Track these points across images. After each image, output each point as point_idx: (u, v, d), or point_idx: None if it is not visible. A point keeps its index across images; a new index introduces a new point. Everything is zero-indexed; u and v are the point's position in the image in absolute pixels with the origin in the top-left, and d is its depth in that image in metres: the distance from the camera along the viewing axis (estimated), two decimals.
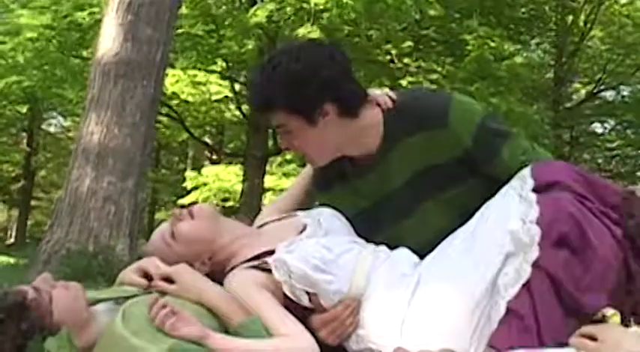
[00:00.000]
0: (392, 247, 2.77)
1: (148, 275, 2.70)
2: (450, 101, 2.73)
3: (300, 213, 2.94)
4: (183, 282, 2.59)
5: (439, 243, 2.70)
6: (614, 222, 2.39)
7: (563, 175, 2.47)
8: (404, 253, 2.73)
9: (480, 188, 2.76)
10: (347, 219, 2.90)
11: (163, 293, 2.59)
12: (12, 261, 10.72)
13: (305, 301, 2.60)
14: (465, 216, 2.66)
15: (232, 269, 2.72)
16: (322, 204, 3.09)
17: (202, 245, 2.78)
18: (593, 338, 1.94)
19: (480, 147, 2.71)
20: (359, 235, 2.86)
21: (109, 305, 2.60)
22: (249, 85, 2.74)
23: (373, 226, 2.86)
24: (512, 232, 2.38)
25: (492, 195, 2.65)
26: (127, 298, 2.57)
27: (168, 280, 2.61)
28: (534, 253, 2.31)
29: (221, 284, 2.65)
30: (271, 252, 2.69)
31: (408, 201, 2.82)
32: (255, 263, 2.67)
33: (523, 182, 2.51)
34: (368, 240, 2.80)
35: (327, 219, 2.82)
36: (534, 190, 2.45)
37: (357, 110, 2.70)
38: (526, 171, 2.54)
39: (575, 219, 2.32)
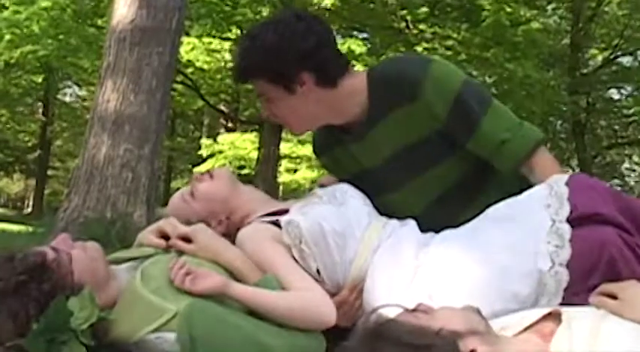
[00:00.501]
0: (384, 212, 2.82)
1: (165, 236, 2.72)
2: (425, 71, 2.71)
3: (316, 190, 2.95)
4: (201, 242, 2.61)
5: (434, 211, 2.81)
6: None
7: (604, 204, 2.38)
8: (412, 225, 2.75)
9: (467, 163, 2.83)
10: (347, 180, 2.93)
11: (181, 252, 2.61)
12: (30, 229, 10.76)
13: (313, 268, 2.61)
14: (449, 191, 2.80)
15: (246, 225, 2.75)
16: (324, 166, 3.22)
17: (219, 203, 2.85)
18: (613, 296, 1.94)
19: (458, 119, 2.72)
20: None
21: (129, 264, 2.62)
22: (233, 57, 2.83)
23: (366, 190, 2.88)
24: (539, 272, 2.31)
25: (481, 171, 2.79)
26: (146, 258, 2.59)
27: (186, 240, 2.63)
28: (557, 300, 2.25)
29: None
30: (286, 212, 2.70)
31: (393, 175, 2.86)
32: (270, 219, 2.69)
33: (560, 203, 2.42)
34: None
35: (342, 192, 2.82)
36: (570, 220, 2.37)
37: (336, 80, 2.75)
38: (563, 189, 2.46)
39: (613, 263, 2.23)
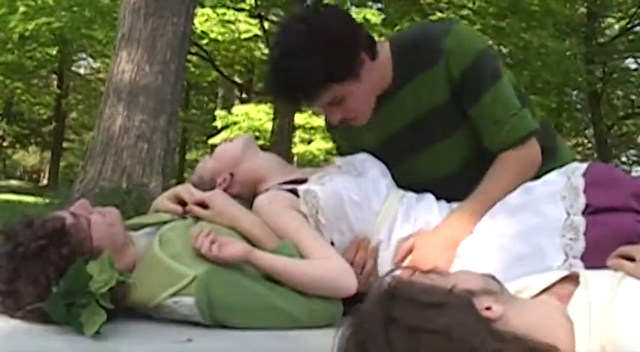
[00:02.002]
0: (402, 184, 2.81)
1: (182, 202, 2.74)
2: (449, 29, 2.69)
3: (335, 159, 2.94)
4: (218, 207, 2.62)
5: (449, 182, 2.77)
6: None
7: (620, 195, 2.38)
8: (429, 199, 2.74)
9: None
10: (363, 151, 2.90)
11: (198, 218, 2.62)
12: (47, 200, 10.80)
13: (328, 238, 2.61)
14: (477, 155, 2.74)
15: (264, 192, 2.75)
16: (334, 141, 3.22)
17: (229, 162, 2.88)
18: (631, 259, 1.93)
19: (469, 81, 2.67)
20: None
21: (147, 230, 2.63)
22: (276, 86, 2.61)
23: (385, 161, 2.87)
24: (552, 262, 2.34)
25: None
26: (163, 224, 2.60)
27: (203, 205, 2.65)
28: None
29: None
30: (304, 181, 2.71)
31: (414, 141, 2.82)
32: (288, 187, 2.69)
33: (575, 195, 2.43)
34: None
35: (361, 162, 2.82)
36: (586, 212, 2.38)
37: (376, 48, 2.68)
38: (580, 181, 2.46)
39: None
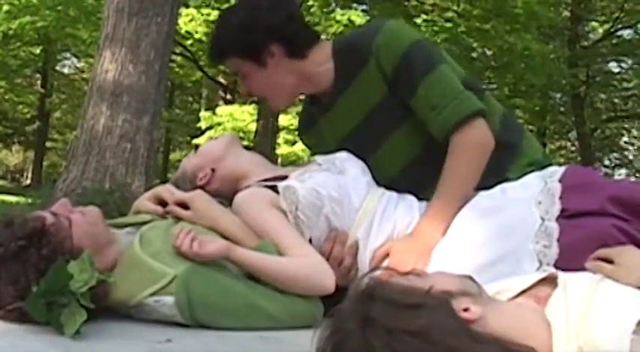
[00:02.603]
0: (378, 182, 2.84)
1: (162, 202, 2.74)
2: (377, 29, 2.81)
3: (316, 157, 2.94)
4: (198, 208, 2.63)
5: (411, 173, 2.81)
6: None
7: (597, 199, 2.39)
8: (410, 200, 2.75)
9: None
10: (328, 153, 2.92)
11: (178, 218, 2.62)
12: (29, 200, 10.76)
13: (307, 236, 2.62)
14: (432, 144, 2.74)
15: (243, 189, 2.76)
16: (306, 145, 3.32)
17: (211, 158, 2.92)
18: (609, 261, 1.95)
19: (401, 78, 2.76)
20: None
21: (127, 230, 2.63)
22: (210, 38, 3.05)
23: None
24: (526, 268, 2.34)
25: None
26: (144, 224, 2.60)
27: (183, 206, 2.65)
28: None
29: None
30: (284, 178, 2.72)
31: (368, 137, 2.89)
32: (269, 184, 2.70)
33: (551, 201, 2.43)
34: None
35: (341, 160, 2.83)
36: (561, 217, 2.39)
37: (305, 51, 2.86)
38: (556, 186, 2.47)
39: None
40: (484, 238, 2.46)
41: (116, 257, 2.41)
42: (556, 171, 2.53)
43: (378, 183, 2.81)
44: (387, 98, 2.81)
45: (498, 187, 2.60)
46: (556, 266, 2.28)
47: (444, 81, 2.72)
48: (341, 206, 2.63)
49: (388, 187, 2.79)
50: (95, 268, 2.18)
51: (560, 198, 2.42)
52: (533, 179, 2.56)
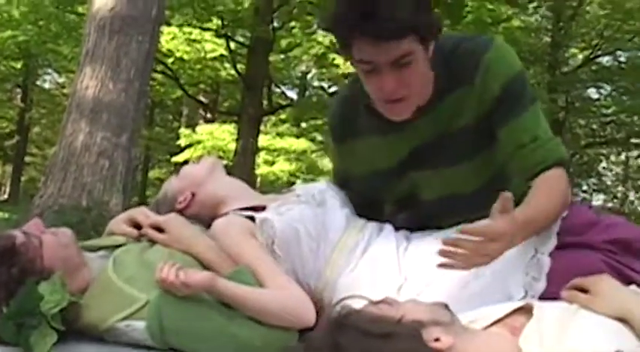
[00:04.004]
0: (406, 197, 2.73)
1: (137, 225, 2.71)
2: (488, 50, 2.49)
3: (295, 187, 2.92)
4: (173, 232, 2.59)
5: (451, 203, 2.63)
6: None
7: (588, 232, 2.39)
8: (388, 230, 2.69)
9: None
10: (366, 172, 2.77)
11: (153, 242, 2.60)
12: (6, 215, 10.71)
13: (283, 268, 2.57)
14: (494, 179, 2.58)
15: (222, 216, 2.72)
16: (338, 154, 2.94)
17: (192, 182, 2.83)
18: (585, 290, 1.95)
19: (509, 98, 2.48)
20: (373, 191, 2.81)
21: (101, 253, 2.60)
22: (365, 14, 2.26)
23: (394, 180, 2.74)
24: (511, 297, 2.30)
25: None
26: (117, 247, 2.57)
27: (158, 229, 2.62)
28: None
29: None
30: (263, 208, 2.69)
31: (433, 158, 2.63)
32: (246, 213, 2.68)
33: (547, 236, 2.39)
34: (381, 195, 2.79)
35: (320, 191, 2.79)
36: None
37: (432, 47, 2.46)
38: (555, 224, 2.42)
39: None
40: (478, 269, 2.40)
41: (88, 280, 2.39)
42: None
43: (407, 200, 2.72)
44: (475, 124, 2.54)
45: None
46: (540, 299, 2.24)
47: (542, 118, 2.53)
48: (317, 242, 2.60)
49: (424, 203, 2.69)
50: (66, 290, 2.16)
51: (558, 233, 2.40)
52: None
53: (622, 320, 1.82)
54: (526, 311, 1.94)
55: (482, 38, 2.59)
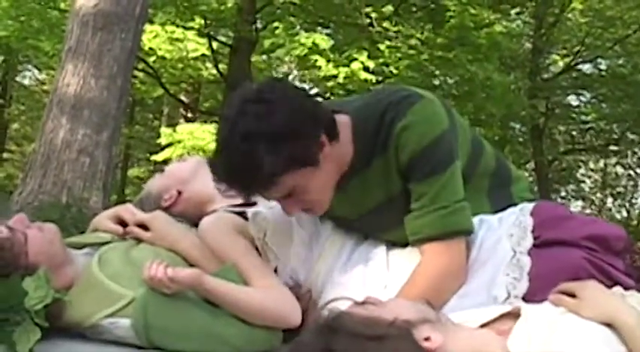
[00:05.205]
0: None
1: (122, 223, 2.70)
2: (403, 116, 2.39)
3: None
4: (159, 230, 2.59)
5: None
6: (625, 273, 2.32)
7: (567, 233, 2.38)
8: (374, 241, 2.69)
9: None
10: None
11: (138, 239, 2.58)
12: None
13: (273, 264, 2.59)
14: None
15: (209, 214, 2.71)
16: None
17: (177, 180, 2.88)
18: (572, 295, 1.95)
19: (412, 169, 2.41)
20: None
21: (86, 250, 2.59)
22: (229, 172, 2.28)
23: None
24: (494, 298, 2.31)
25: None
26: (103, 244, 2.56)
27: (144, 227, 2.61)
28: None
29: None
30: (252, 205, 2.68)
31: (375, 225, 2.62)
32: (236, 209, 2.67)
33: (523, 234, 2.39)
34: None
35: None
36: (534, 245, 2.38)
37: (337, 129, 2.41)
38: (528, 221, 2.42)
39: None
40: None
41: (72, 276, 2.38)
42: (526, 207, 2.50)
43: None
44: (401, 192, 2.46)
45: (476, 218, 2.51)
46: (524, 299, 2.26)
47: (451, 184, 2.42)
48: (309, 235, 2.61)
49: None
50: (51, 286, 2.14)
51: (533, 231, 2.41)
52: (508, 214, 2.53)
53: (608, 325, 1.83)
54: (513, 316, 1.94)
55: (408, 100, 2.44)
